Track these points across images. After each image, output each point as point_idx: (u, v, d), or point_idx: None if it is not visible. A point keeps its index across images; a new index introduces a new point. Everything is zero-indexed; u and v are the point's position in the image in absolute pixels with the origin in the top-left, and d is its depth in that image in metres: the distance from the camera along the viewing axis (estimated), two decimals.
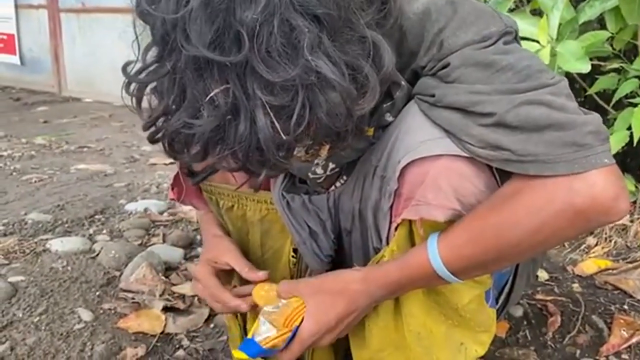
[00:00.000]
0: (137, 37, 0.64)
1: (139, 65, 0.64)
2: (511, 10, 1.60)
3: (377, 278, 0.78)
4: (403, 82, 0.76)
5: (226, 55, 0.57)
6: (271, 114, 0.59)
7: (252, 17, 0.57)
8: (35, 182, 2.53)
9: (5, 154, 3.03)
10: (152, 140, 0.67)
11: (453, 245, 0.72)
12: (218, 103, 0.59)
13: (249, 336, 0.83)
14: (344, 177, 0.90)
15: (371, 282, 0.78)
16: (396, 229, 0.78)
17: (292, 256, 0.95)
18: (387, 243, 0.80)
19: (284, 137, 0.60)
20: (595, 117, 0.69)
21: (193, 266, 0.98)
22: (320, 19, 0.59)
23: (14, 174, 2.66)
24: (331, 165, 0.87)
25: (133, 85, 0.66)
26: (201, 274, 0.93)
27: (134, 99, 0.67)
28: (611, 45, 1.58)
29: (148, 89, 0.65)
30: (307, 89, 0.59)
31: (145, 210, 2.09)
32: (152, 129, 0.66)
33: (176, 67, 0.60)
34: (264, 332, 0.82)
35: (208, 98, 0.59)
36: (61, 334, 1.29)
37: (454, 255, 0.72)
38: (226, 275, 0.95)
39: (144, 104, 0.67)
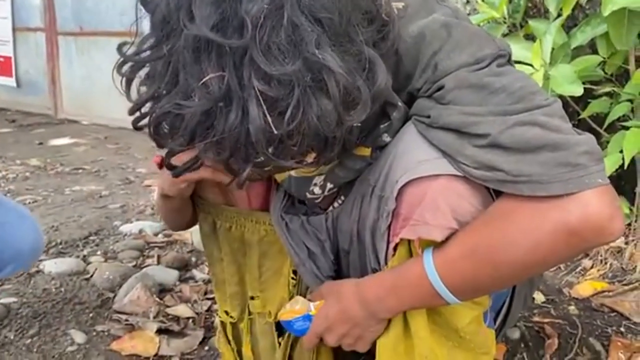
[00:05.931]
0: (137, 20, 0.65)
1: (133, 48, 0.65)
2: (505, 35, 1.63)
3: (370, 283, 0.80)
4: (400, 103, 0.77)
5: (227, 39, 0.58)
6: (264, 106, 0.59)
7: (257, 8, 0.58)
8: (30, 203, 2.51)
9: None
10: (137, 125, 0.66)
11: (448, 259, 0.72)
12: (211, 88, 0.59)
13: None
14: (342, 197, 0.90)
15: (364, 286, 0.81)
16: (395, 249, 0.78)
17: (292, 277, 0.95)
18: (386, 264, 0.80)
19: (275, 131, 0.60)
20: (589, 137, 0.70)
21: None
22: (323, 23, 0.61)
23: (8, 195, 2.64)
24: (329, 185, 0.87)
25: (126, 67, 0.66)
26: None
27: (124, 80, 0.66)
28: (603, 70, 1.61)
29: (140, 73, 0.65)
30: (303, 88, 0.60)
31: (140, 231, 2.08)
32: (138, 113, 0.66)
33: (173, 50, 0.60)
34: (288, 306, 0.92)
35: (202, 82, 0.59)
36: (53, 357, 1.27)
37: (449, 269, 0.73)
38: None
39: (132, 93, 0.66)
